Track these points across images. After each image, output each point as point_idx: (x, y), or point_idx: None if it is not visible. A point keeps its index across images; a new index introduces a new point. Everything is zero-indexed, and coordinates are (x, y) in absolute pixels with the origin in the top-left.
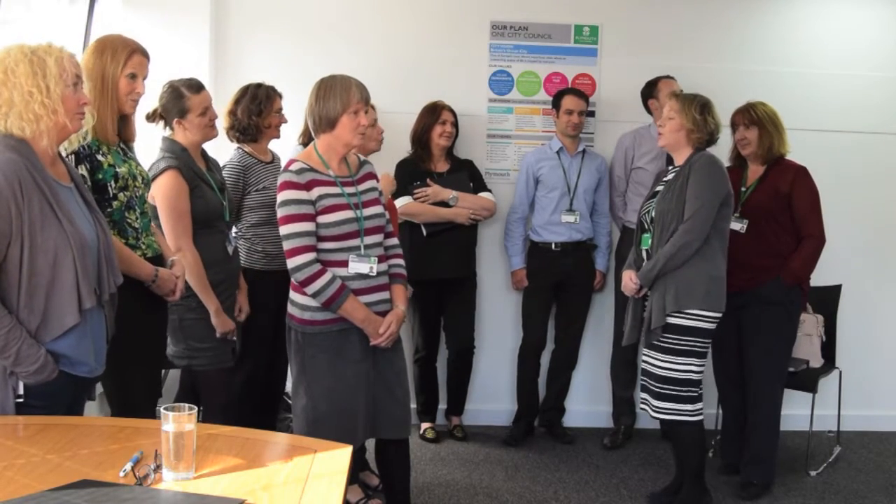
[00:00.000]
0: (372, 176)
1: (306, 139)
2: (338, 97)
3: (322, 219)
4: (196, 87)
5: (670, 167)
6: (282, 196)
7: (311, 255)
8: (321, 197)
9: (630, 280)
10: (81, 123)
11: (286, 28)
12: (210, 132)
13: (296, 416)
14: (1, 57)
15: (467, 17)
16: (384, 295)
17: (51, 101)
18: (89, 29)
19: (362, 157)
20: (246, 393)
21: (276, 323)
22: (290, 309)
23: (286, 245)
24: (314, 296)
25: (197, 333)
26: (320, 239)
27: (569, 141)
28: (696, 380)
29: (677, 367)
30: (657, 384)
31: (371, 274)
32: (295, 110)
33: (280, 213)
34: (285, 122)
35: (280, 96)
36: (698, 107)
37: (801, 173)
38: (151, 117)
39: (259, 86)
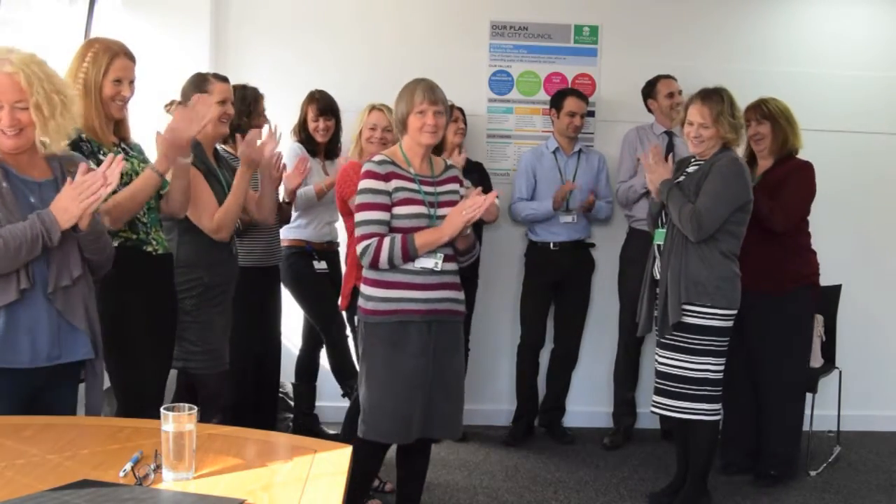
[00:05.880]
0: (456, 180)
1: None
2: (404, 99)
3: (395, 210)
4: (222, 78)
5: (692, 159)
6: (361, 184)
7: (375, 240)
8: (397, 189)
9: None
10: None
11: (286, 28)
12: (222, 127)
13: (360, 404)
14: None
15: (467, 17)
16: (448, 293)
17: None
18: (89, 29)
19: (449, 161)
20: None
21: (258, 319)
22: (359, 300)
23: (358, 231)
24: (389, 262)
25: (191, 336)
26: (391, 230)
27: (566, 141)
28: (715, 379)
29: (695, 367)
30: (674, 384)
31: (436, 269)
32: (295, 110)
33: (357, 199)
34: (267, 122)
35: (263, 97)
36: (728, 108)
37: (802, 166)
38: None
39: (245, 87)
